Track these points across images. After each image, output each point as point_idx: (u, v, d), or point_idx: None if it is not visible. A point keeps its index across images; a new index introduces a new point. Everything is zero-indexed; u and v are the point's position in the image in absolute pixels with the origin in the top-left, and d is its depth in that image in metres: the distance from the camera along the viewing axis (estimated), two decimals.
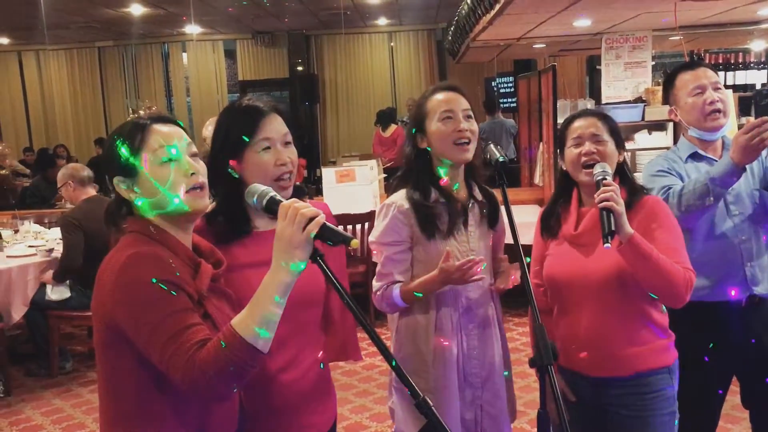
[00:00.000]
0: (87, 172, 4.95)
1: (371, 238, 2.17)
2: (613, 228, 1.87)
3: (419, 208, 2.10)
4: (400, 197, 2.13)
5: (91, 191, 4.89)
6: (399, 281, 2.12)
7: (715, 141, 2.47)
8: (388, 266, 2.13)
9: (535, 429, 1.79)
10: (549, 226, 2.20)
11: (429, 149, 2.13)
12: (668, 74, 2.61)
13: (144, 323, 1.37)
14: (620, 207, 1.89)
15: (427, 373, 2.09)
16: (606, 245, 1.86)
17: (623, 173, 2.12)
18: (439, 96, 2.13)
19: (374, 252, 2.18)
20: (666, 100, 2.60)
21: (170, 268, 1.41)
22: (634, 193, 2.08)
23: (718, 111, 2.40)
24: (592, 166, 2.04)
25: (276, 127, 1.75)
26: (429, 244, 2.10)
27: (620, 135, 2.14)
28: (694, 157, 2.46)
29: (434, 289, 2.09)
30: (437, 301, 2.12)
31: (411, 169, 2.16)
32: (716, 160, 2.42)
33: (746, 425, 3.44)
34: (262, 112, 1.75)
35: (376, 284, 2.16)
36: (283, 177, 1.74)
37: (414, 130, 2.15)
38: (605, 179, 1.96)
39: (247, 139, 1.72)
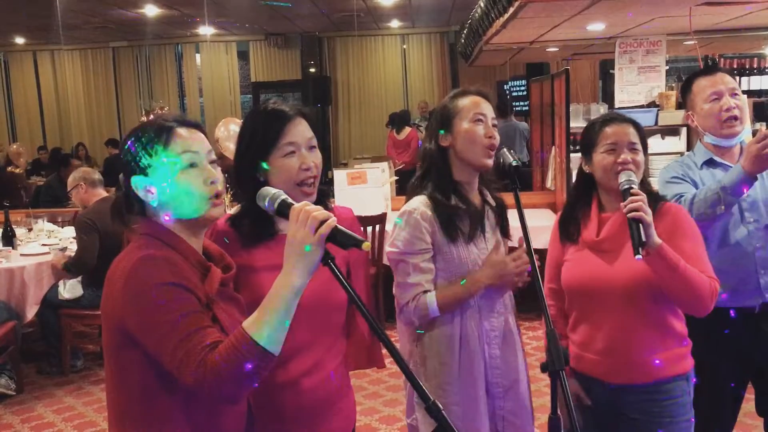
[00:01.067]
0: (98, 175, 4.98)
1: (392, 248, 2.09)
2: (644, 239, 1.85)
3: (442, 209, 2.05)
4: (421, 203, 2.07)
5: (102, 193, 4.93)
6: (429, 290, 2.05)
7: (732, 147, 2.45)
8: (416, 275, 2.05)
9: None
10: (568, 230, 2.17)
11: (449, 150, 2.09)
12: (686, 79, 2.58)
13: (154, 325, 1.37)
14: (649, 217, 1.88)
15: (452, 385, 2.05)
16: (637, 256, 1.85)
17: (642, 180, 2.09)
18: (472, 98, 2.10)
19: (396, 262, 2.09)
20: (683, 105, 2.59)
21: (180, 271, 1.42)
22: (654, 200, 2.06)
23: (735, 118, 2.38)
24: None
25: (301, 131, 1.75)
26: (449, 250, 2.05)
27: (646, 143, 2.12)
28: (710, 163, 2.44)
29: (474, 293, 2.04)
30: (462, 311, 2.07)
31: (431, 169, 2.11)
32: (732, 167, 2.40)
33: None
34: (287, 117, 1.74)
35: (404, 296, 2.06)
36: (308, 181, 1.74)
37: (438, 126, 2.10)
38: (632, 188, 1.94)
39: (271, 145, 1.72)
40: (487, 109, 2.09)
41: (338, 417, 1.83)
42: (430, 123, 2.20)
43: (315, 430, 1.77)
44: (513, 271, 2.03)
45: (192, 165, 1.48)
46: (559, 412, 1.71)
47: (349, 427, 1.90)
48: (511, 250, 2.14)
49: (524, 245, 1.98)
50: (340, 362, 1.85)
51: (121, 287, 1.40)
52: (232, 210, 1.83)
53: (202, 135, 1.54)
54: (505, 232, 2.19)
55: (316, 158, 1.77)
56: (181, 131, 1.50)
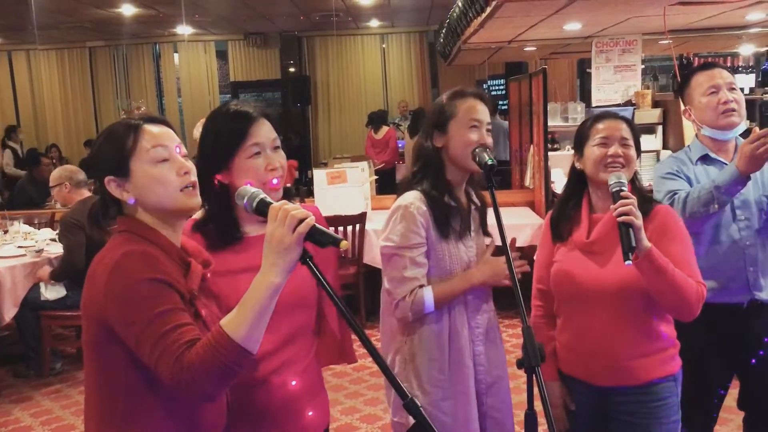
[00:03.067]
0: (83, 175, 4.94)
1: (386, 242, 2.08)
2: (633, 244, 1.85)
3: (436, 207, 2.06)
4: (415, 198, 2.08)
5: (86, 193, 4.88)
6: (424, 284, 2.07)
7: (728, 142, 2.47)
8: (412, 269, 2.05)
9: (523, 430, 1.80)
10: (559, 230, 2.16)
11: (442, 150, 2.10)
12: (684, 75, 2.63)
13: (135, 322, 1.37)
14: (639, 221, 1.87)
15: (443, 381, 2.07)
16: (627, 262, 1.84)
17: (633, 181, 2.09)
18: (470, 102, 2.10)
19: (390, 256, 2.08)
20: (681, 101, 2.60)
21: (162, 266, 1.42)
22: (645, 201, 2.06)
23: (733, 110, 2.41)
24: (615, 167, 2.03)
25: (265, 132, 1.75)
26: (440, 247, 2.07)
27: (639, 142, 2.12)
28: (705, 159, 2.47)
29: (467, 289, 2.09)
30: (450, 308, 2.09)
31: (427, 166, 2.12)
32: (727, 164, 2.42)
33: (734, 426, 3.47)
34: (251, 118, 1.74)
35: (400, 290, 2.06)
36: (273, 182, 1.74)
37: (434, 126, 2.11)
38: (623, 190, 1.94)
39: (236, 146, 1.71)
40: (484, 114, 2.10)
41: (311, 415, 1.84)
42: (425, 120, 2.19)
43: (285, 428, 1.77)
44: (506, 272, 2.05)
45: (163, 159, 1.49)
46: (535, 408, 1.72)
47: (321, 425, 1.90)
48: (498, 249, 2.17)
49: (515, 247, 2.04)
50: (310, 361, 1.86)
51: (104, 283, 1.40)
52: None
53: (171, 130, 1.55)
54: (485, 231, 2.22)
55: (281, 158, 1.77)
56: (149, 127, 1.51)
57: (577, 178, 2.17)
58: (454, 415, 2.06)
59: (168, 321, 1.37)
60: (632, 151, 2.07)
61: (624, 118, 2.13)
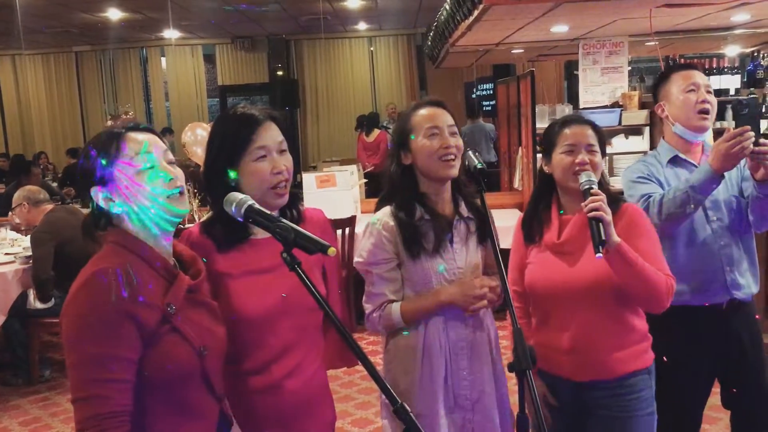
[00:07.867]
0: (43, 195, 4.92)
1: (358, 258, 2.10)
2: (603, 237, 1.89)
3: (404, 227, 2.03)
4: (385, 214, 2.07)
5: (47, 207, 4.85)
6: (393, 300, 2.06)
7: (696, 144, 2.49)
8: (379, 285, 2.06)
9: None
10: (530, 232, 2.19)
11: (412, 166, 2.07)
12: (662, 72, 2.60)
13: (73, 349, 1.39)
14: (608, 216, 1.92)
15: (414, 395, 2.04)
16: (598, 255, 1.89)
17: (600, 183, 2.11)
18: (424, 111, 2.07)
19: (362, 272, 2.11)
20: (654, 99, 2.59)
21: (132, 290, 1.41)
22: (612, 201, 2.08)
23: (708, 111, 2.43)
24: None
25: (272, 135, 1.75)
26: (414, 262, 2.05)
27: (604, 144, 2.16)
28: (674, 161, 2.48)
29: (435, 308, 2.04)
30: (426, 321, 2.06)
31: (395, 187, 2.09)
32: (695, 165, 2.45)
33: (722, 425, 3.49)
34: (257, 121, 1.74)
35: (368, 306, 2.08)
36: (279, 185, 1.74)
37: (398, 147, 2.09)
38: (592, 188, 1.98)
39: (242, 149, 1.71)
40: (441, 120, 2.05)
41: (319, 419, 1.85)
42: (390, 145, 2.18)
43: (296, 431, 1.77)
44: (476, 293, 2.00)
45: (149, 166, 1.48)
46: (526, 410, 1.73)
47: (329, 428, 1.92)
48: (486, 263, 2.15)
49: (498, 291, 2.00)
50: (320, 363, 1.86)
51: (67, 303, 1.42)
52: (202, 217, 1.82)
53: (156, 137, 1.55)
54: (482, 240, 2.13)
55: (287, 162, 1.77)
56: (132, 135, 1.50)
57: (546, 181, 2.20)
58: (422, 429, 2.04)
59: (102, 368, 1.37)
60: (598, 157, 2.10)
61: (589, 123, 2.15)
